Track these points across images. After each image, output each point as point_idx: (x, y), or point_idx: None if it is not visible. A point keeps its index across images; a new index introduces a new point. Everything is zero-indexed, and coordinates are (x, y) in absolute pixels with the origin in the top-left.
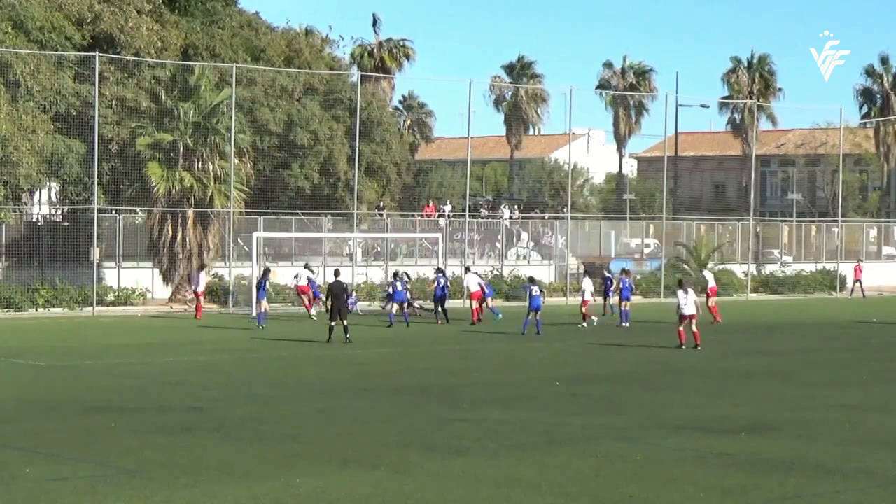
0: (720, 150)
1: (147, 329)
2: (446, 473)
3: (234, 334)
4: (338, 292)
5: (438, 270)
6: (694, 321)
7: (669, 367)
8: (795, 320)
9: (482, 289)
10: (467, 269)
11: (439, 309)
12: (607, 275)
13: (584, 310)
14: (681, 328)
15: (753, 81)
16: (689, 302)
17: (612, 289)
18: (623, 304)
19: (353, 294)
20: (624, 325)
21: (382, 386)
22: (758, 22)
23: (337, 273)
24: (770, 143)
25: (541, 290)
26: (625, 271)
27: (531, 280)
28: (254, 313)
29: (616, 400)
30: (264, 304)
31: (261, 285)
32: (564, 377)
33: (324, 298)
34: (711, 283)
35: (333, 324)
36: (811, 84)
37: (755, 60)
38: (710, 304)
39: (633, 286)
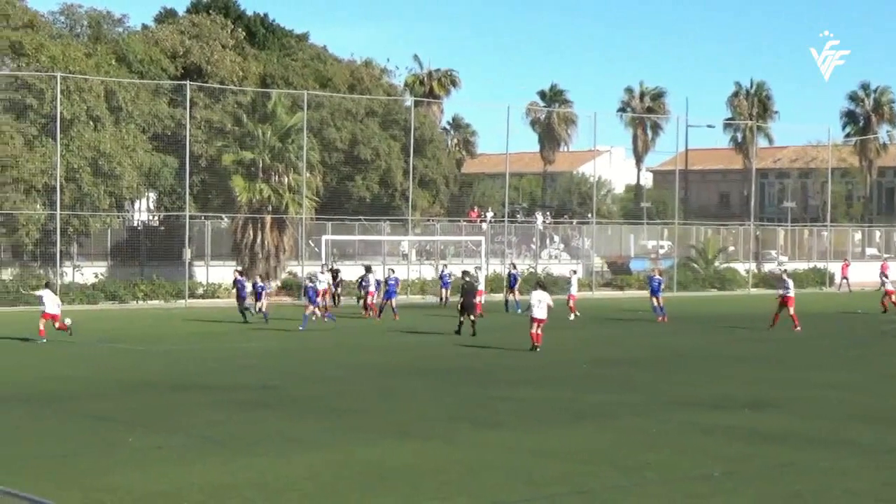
0: (724, 164)
1: (230, 319)
2: (487, 443)
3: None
4: (467, 290)
5: (367, 269)
6: (541, 325)
7: (679, 353)
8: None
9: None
10: (367, 269)
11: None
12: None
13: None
14: (533, 331)
15: (753, 105)
16: (542, 306)
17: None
18: (654, 299)
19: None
20: (659, 319)
21: (433, 368)
22: (757, 51)
23: (466, 274)
24: (767, 158)
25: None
26: (657, 270)
27: (392, 272)
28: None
29: (632, 380)
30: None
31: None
32: (588, 361)
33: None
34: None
35: (462, 318)
36: (804, 105)
37: (754, 87)
38: (791, 311)
39: (661, 283)
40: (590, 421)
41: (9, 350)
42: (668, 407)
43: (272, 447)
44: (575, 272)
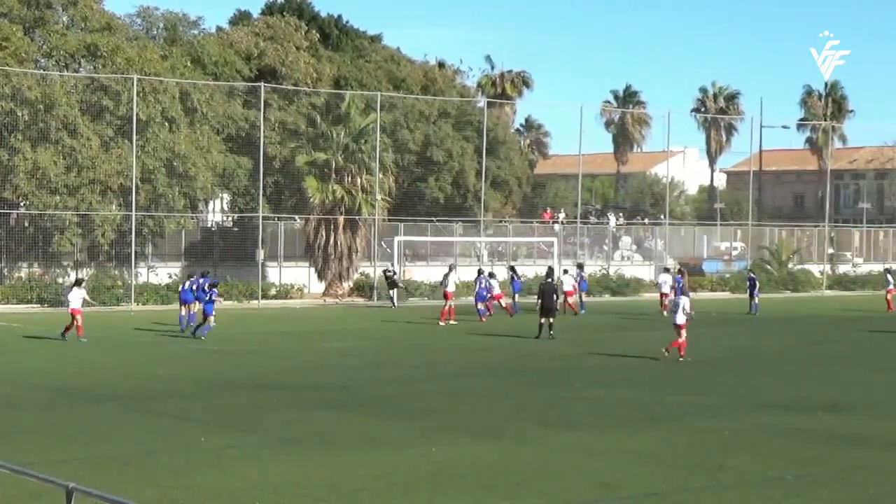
0: (799, 165)
1: (304, 319)
2: (561, 445)
3: (378, 324)
4: (547, 292)
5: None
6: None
7: (754, 354)
8: (864, 314)
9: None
10: (451, 268)
11: None
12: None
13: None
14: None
15: (827, 105)
16: (679, 311)
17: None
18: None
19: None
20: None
21: (505, 369)
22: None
23: (548, 274)
24: (843, 158)
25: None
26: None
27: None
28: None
29: (707, 382)
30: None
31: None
32: (661, 361)
33: None
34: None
35: (542, 321)
36: (882, 103)
37: (828, 87)
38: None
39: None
40: (664, 422)
41: (96, 349)
42: (743, 409)
43: (345, 447)
44: (668, 270)
